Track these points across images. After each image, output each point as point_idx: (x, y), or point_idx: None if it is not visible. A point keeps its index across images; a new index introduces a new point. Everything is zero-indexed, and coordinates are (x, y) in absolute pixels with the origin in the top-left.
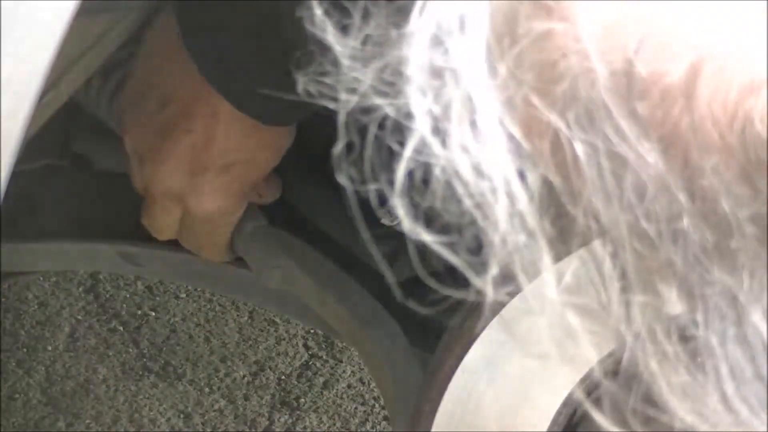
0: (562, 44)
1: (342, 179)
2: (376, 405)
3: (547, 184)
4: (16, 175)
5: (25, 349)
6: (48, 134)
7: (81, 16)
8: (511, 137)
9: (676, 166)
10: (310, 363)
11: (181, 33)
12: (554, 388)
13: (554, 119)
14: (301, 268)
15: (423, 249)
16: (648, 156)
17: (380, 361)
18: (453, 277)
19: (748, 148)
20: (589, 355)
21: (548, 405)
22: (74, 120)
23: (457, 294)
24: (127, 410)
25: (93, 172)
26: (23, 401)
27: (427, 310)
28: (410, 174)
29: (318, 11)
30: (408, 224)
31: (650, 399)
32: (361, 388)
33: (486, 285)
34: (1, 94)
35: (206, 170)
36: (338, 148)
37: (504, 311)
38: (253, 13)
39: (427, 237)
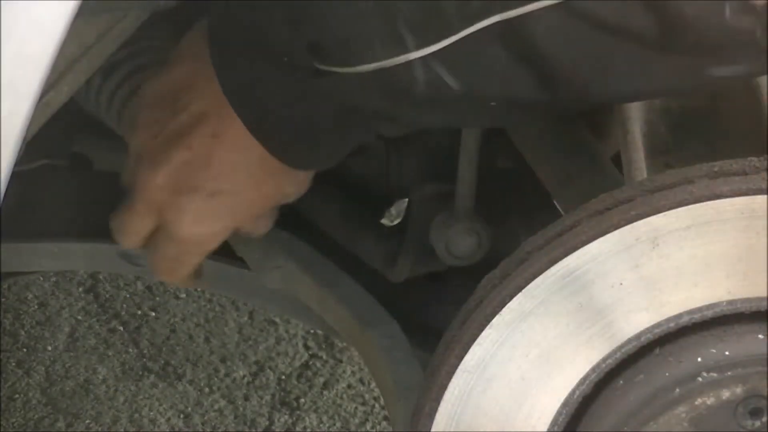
0: None
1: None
2: (376, 405)
3: None
4: (16, 175)
5: (25, 349)
6: (48, 134)
7: (81, 16)
8: None
9: None
10: (310, 363)
11: (213, 65)
12: (554, 388)
13: None
14: (301, 268)
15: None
16: None
17: (380, 361)
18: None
19: None
20: (589, 356)
21: (548, 405)
22: (74, 120)
23: None
24: (127, 410)
25: (93, 172)
26: (23, 401)
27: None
28: None
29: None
30: None
31: None
32: (361, 388)
33: None
34: (2, 95)
35: (194, 191)
36: None
37: (503, 312)
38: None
39: None
